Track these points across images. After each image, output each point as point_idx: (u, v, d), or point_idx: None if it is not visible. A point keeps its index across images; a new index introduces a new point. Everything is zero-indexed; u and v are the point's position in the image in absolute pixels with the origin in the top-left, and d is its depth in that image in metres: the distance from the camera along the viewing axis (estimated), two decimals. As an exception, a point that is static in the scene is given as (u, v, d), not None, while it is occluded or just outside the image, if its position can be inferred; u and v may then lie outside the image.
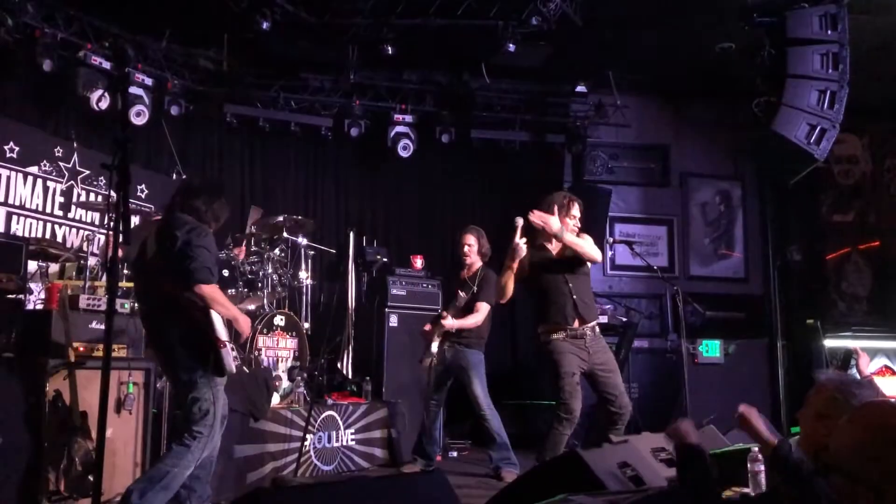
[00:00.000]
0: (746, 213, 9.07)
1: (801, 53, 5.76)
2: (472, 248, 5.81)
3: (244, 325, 3.89)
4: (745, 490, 2.86)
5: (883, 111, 8.31)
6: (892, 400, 1.91)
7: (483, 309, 5.64)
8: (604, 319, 7.17)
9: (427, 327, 5.71)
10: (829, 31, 5.71)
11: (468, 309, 5.62)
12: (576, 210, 4.80)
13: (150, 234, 3.77)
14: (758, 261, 8.94)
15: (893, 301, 8.30)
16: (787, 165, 6.35)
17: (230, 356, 3.72)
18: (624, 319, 7.66)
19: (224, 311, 3.70)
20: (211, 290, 3.60)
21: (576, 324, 4.63)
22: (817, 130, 5.70)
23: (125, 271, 4.55)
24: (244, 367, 5.40)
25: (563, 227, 4.63)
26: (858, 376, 5.02)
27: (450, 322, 5.55)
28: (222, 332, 3.68)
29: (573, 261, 4.75)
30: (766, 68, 6.00)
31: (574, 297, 4.66)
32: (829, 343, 7.38)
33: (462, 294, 5.56)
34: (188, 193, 3.82)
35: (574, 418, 4.59)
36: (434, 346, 5.56)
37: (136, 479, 3.59)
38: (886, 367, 7.54)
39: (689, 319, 6.93)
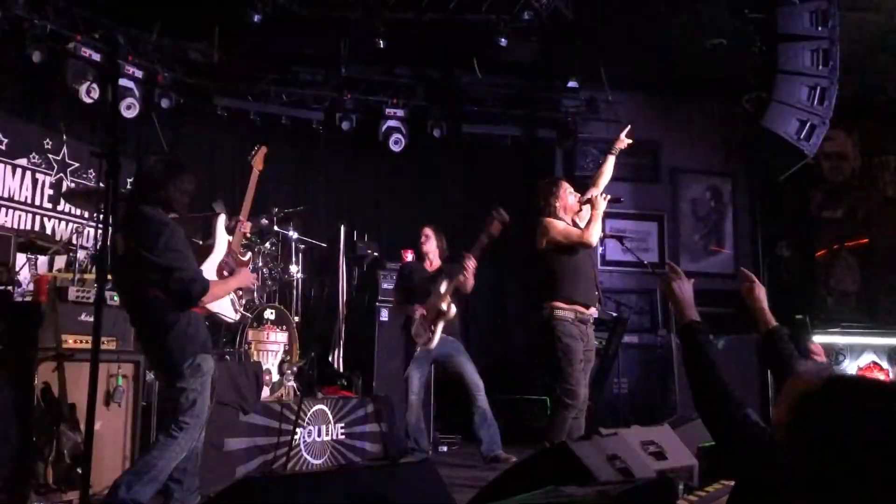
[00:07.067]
0: (736, 209, 9.10)
1: (791, 50, 5.77)
2: (430, 238, 5.97)
3: (246, 281, 3.91)
4: (732, 483, 2.87)
5: (872, 108, 8.34)
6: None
7: None
8: (594, 314, 7.20)
9: (421, 312, 5.67)
10: (820, 28, 5.72)
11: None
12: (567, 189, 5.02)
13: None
14: (747, 257, 8.97)
15: (882, 297, 8.35)
16: (777, 161, 6.37)
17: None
18: (614, 314, 7.67)
19: (225, 293, 3.73)
20: (211, 295, 3.59)
21: (597, 305, 4.80)
22: (807, 126, 5.72)
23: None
24: (234, 360, 5.39)
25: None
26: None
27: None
28: (227, 310, 3.73)
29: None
30: (757, 64, 6.02)
31: (596, 279, 4.80)
32: (818, 339, 7.42)
33: (443, 282, 5.66)
34: (152, 183, 3.56)
35: (580, 404, 4.68)
36: (439, 330, 5.58)
37: (124, 472, 3.56)
38: (874, 363, 7.59)
39: (678, 315, 6.95)
